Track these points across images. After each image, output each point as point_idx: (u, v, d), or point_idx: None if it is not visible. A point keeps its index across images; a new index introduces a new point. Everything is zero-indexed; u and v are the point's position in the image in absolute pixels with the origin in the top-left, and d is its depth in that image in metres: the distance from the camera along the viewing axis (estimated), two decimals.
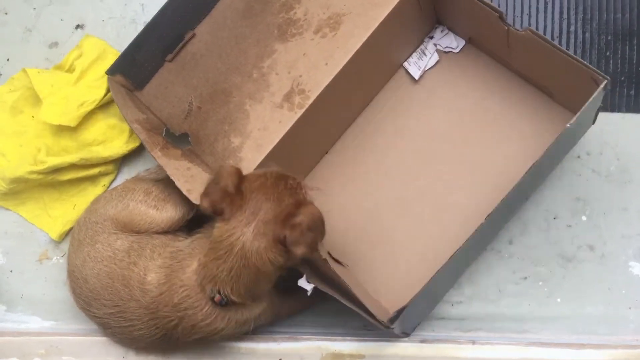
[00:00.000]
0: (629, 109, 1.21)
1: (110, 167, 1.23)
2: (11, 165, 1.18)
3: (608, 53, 1.22)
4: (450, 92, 1.20)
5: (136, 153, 1.25)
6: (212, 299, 0.98)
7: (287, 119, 1.08)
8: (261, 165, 1.07)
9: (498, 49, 1.15)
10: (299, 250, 0.91)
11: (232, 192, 0.92)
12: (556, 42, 1.22)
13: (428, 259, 1.14)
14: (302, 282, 1.00)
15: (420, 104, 1.21)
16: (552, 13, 1.23)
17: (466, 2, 1.05)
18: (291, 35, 1.12)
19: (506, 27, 1.04)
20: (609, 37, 1.22)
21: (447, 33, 1.21)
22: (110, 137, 1.22)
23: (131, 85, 1.16)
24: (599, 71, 0.96)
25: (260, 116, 1.10)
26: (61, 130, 1.19)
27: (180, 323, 1.01)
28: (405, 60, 1.22)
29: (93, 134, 1.21)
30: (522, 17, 1.24)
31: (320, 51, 1.10)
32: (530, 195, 1.18)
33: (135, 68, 1.15)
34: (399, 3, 1.08)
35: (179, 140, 1.12)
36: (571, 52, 1.20)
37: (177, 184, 1.03)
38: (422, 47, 1.22)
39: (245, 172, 1.04)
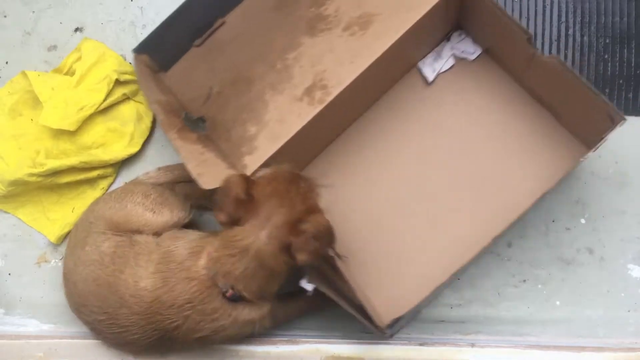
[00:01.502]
0: (627, 112, 1.21)
1: (109, 170, 1.22)
2: (10, 168, 1.18)
3: (606, 56, 1.22)
4: (460, 99, 1.20)
5: (135, 157, 1.24)
6: (224, 293, 0.98)
7: (305, 113, 1.07)
8: (272, 158, 1.06)
9: (516, 66, 1.15)
10: (301, 257, 0.93)
11: (244, 199, 0.94)
12: (554, 46, 1.23)
13: (422, 262, 1.15)
14: (304, 283, 1.01)
15: (430, 107, 1.20)
16: (551, 16, 1.24)
17: (495, 17, 1.04)
18: (320, 30, 1.11)
19: (532, 51, 1.04)
20: (607, 40, 1.23)
21: (464, 38, 1.21)
22: (110, 140, 1.22)
23: (156, 66, 1.15)
24: (617, 110, 0.96)
25: (279, 107, 1.09)
26: (60, 133, 1.19)
27: (184, 323, 1.00)
28: (421, 60, 1.21)
29: (92, 137, 1.21)
30: (520, 20, 1.24)
31: (348, 48, 1.09)
32: None
33: (162, 49, 1.14)
34: (431, 8, 1.07)
35: (196, 124, 1.12)
36: (569, 55, 1.22)
37: (189, 167, 1.02)
38: (438, 49, 1.21)
39: (257, 162, 1.06)
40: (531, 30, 1.23)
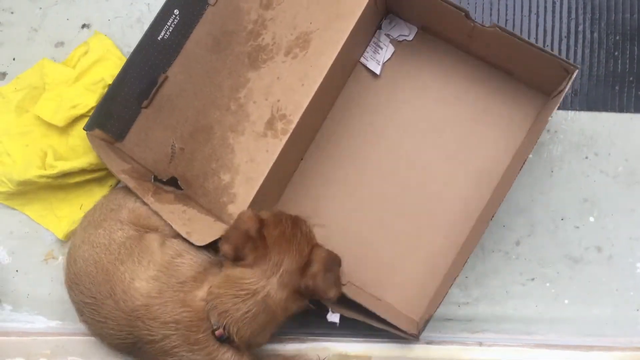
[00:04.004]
0: (637, 110, 1.20)
1: None
2: (19, 167, 1.17)
3: (616, 53, 1.21)
4: (412, 81, 1.20)
5: None
6: (213, 330, 0.97)
7: (273, 147, 1.06)
8: (255, 200, 1.06)
9: (456, 38, 1.16)
10: (332, 294, 0.96)
11: (255, 236, 0.95)
12: (564, 42, 1.22)
13: (421, 251, 1.15)
14: (330, 317, 1.05)
15: (385, 98, 1.20)
16: (560, 12, 1.23)
17: (426, 1, 1.06)
18: (262, 61, 1.11)
19: (472, 24, 1.06)
20: (618, 37, 1.22)
21: (397, 21, 1.21)
22: None
23: (110, 138, 1.13)
24: (569, 61, 1.00)
25: (245, 148, 1.08)
26: (70, 128, 1.19)
27: (161, 341, 0.99)
28: (361, 55, 1.21)
29: None
30: (529, 16, 1.23)
31: (294, 72, 1.08)
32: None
33: (112, 120, 1.13)
34: (364, 9, 1.07)
35: (168, 185, 1.11)
36: (579, 52, 1.21)
37: (175, 227, 1.03)
38: (374, 40, 1.21)
39: (242, 209, 1.05)
40: (540, 26, 1.23)
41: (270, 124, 1.07)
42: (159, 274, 1.00)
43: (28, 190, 1.20)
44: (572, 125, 1.20)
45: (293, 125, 1.06)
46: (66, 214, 1.21)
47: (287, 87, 1.08)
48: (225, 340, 0.97)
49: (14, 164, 1.19)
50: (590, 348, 1.13)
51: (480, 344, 1.14)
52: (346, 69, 1.19)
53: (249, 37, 1.12)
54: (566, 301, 1.16)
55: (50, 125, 1.19)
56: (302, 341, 1.16)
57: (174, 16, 1.14)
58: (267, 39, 1.11)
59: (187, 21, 1.15)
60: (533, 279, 1.17)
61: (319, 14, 1.09)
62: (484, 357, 1.13)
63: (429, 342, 1.15)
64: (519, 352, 1.13)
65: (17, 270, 1.23)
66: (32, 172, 1.16)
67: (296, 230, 0.97)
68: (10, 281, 1.23)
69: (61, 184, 1.19)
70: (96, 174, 1.20)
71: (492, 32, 1.04)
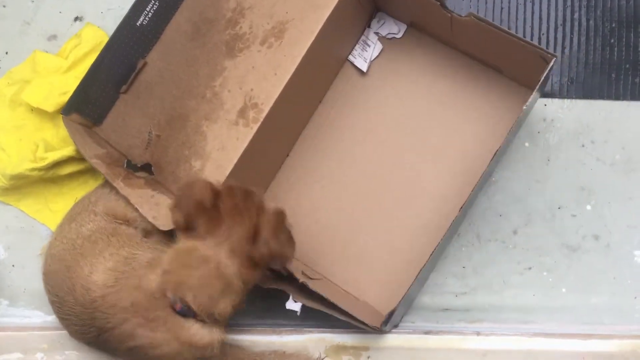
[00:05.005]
0: (634, 97, 1.20)
1: None
2: (12, 162, 1.17)
3: (612, 40, 1.21)
4: (400, 79, 1.19)
5: None
6: (172, 305, 0.95)
7: (243, 135, 1.06)
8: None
9: (442, 33, 1.15)
10: (289, 253, 0.95)
11: (209, 208, 0.93)
12: (560, 30, 1.21)
13: (403, 249, 1.15)
14: (290, 304, 1.02)
15: (372, 95, 1.20)
16: (556, 0, 1.22)
17: None
18: (239, 50, 1.10)
19: (449, 14, 1.05)
20: (614, 25, 1.21)
21: (386, 19, 1.20)
22: None
23: (88, 122, 1.13)
24: (546, 49, 0.98)
25: (217, 136, 1.08)
26: (60, 119, 1.18)
27: (121, 325, 0.96)
28: (350, 53, 1.21)
29: None
30: (525, 4, 1.22)
31: (268, 61, 1.08)
32: (493, 173, 1.18)
33: (90, 104, 1.13)
34: (338, 2, 1.06)
35: (141, 171, 1.11)
36: (575, 40, 1.21)
37: (142, 211, 1.03)
38: (363, 37, 1.21)
39: None
40: (535, 14, 1.22)
41: (242, 112, 1.07)
42: (118, 264, 0.99)
43: (22, 185, 1.20)
44: (568, 113, 1.20)
45: (264, 114, 1.06)
46: (61, 207, 1.21)
47: (261, 77, 1.08)
48: (186, 313, 0.95)
49: (9, 158, 1.18)
50: (589, 336, 1.13)
51: (478, 333, 1.14)
52: (330, 64, 1.19)
53: (227, 26, 1.12)
54: (564, 290, 1.16)
55: (43, 118, 1.19)
56: (300, 333, 1.15)
57: (153, 2, 1.14)
58: (245, 27, 1.11)
59: (166, 7, 1.14)
60: (530, 268, 1.16)
61: (296, 4, 1.09)
62: (482, 346, 1.13)
63: (427, 332, 1.15)
64: (517, 342, 1.13)
65: (13, 265, 1.23)
66: (24, 165, 1.15)
67: (249, 203, 0.95)
68: (7, 276, 1.22)
69: (53, 176, 1.18)
70: (88, 164, 1.19)
71: (468, 22, 1.03)
